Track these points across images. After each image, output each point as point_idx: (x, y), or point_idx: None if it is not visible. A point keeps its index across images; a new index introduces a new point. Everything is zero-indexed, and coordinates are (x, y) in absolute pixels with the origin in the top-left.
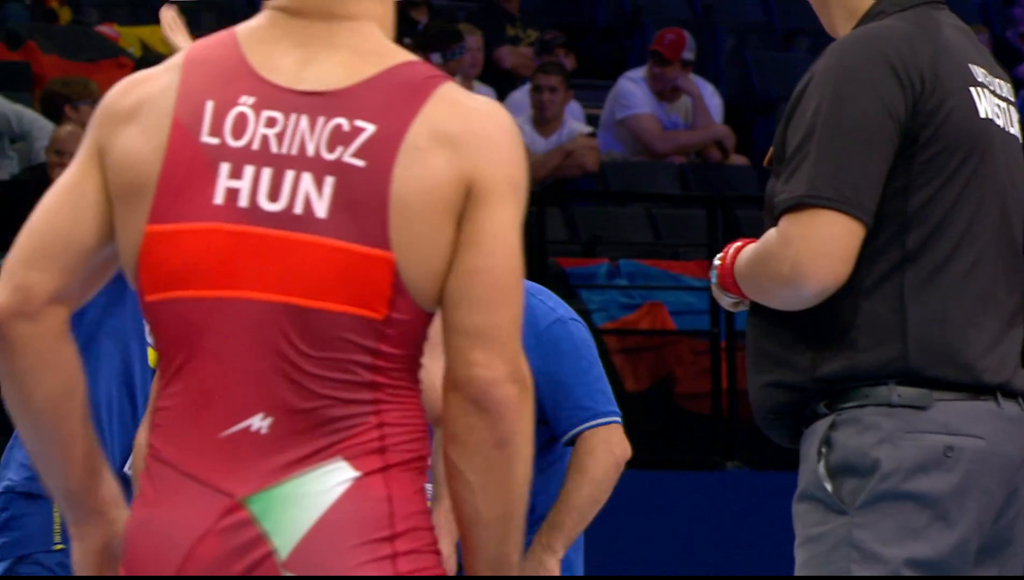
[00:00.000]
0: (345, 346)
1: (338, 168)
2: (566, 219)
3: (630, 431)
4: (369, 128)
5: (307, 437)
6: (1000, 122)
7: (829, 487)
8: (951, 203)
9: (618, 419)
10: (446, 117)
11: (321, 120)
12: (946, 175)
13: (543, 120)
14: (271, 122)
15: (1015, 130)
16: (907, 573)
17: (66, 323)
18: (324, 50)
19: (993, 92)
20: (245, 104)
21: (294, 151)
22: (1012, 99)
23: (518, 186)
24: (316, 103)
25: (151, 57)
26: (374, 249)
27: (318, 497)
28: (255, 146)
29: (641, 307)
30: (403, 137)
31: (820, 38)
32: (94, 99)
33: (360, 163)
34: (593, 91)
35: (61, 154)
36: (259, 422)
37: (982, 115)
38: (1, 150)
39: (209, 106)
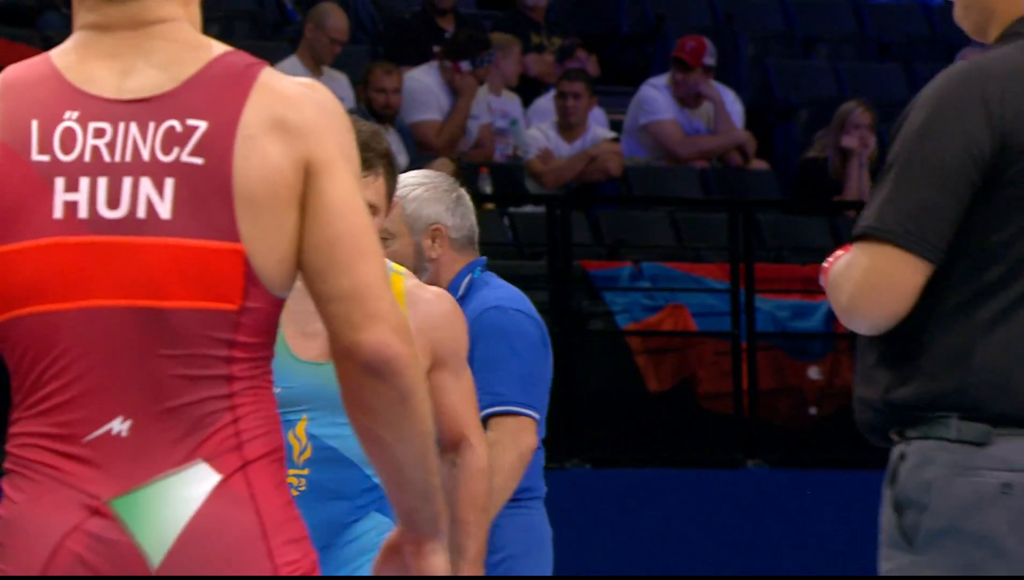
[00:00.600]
0: (201, 341)
1: (177, 168)
2: (590, 223)
3: (654, 431)
4: (201, 125)
5: (167, 437)
6: None
7: (894, 521)
8: None
9: (531, 413)
10: (272, 103)
11: (152, 125)
12: None
13: (568, 126)
14: (99, 133)
15: None
16: None
17: None
18: (140, 57)
19: None
20: (71, 119)
21: (128, 158)
22: None
23: (350, 153)
24: (143, 109)
25: None
26: (223, 242)
27: (184, 504)
28: (87, 158)
29: (664, 309)
30: (236, 129)
31: (839, 46)
32: None
33: (199, 161)
34: (617, 97)
35: None
36: (119, 425)
37: None
38: None
39: (34, 125)
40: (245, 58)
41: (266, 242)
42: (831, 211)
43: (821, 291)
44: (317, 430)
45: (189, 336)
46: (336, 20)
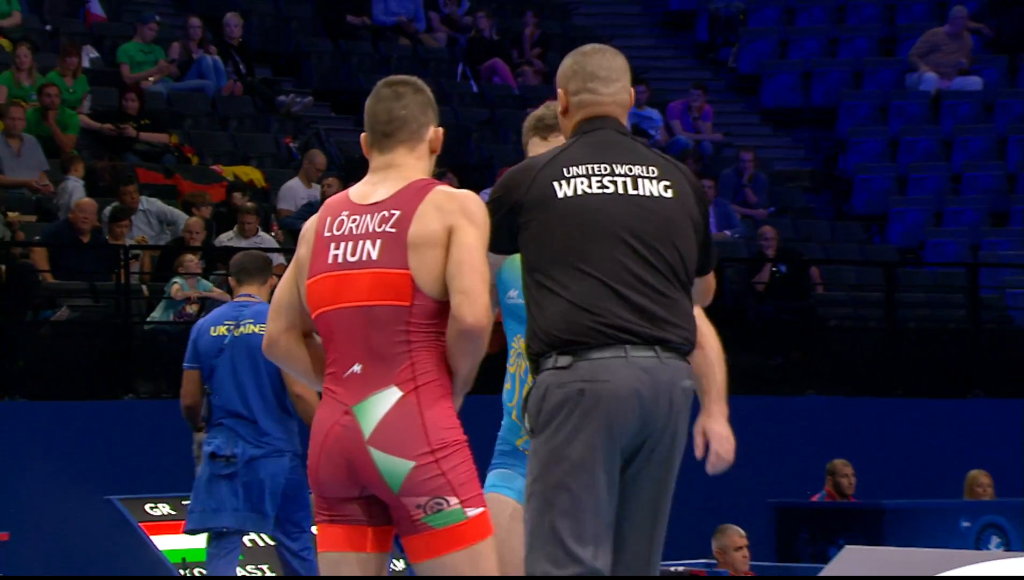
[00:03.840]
0: (392, 322)
1: (383, 235)
2: None
3: None
4: (397, 212)
5: (378, 373)
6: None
7: None
8: None
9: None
10: (437, 201)
11: (376, 214)
12: None
13: None
14: (354, 221)
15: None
16: None
17: (300, 338)
18: (381, 184)
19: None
20: (343, 215)
21: (363, 231)
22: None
23: (477, 219)
24: (375, 207)
25: (239, 183)
26: (401, 270)
27: (383, 405)
28: (346, 232)
29: None
30: (414, 213)
31: None
32: (208, 203)
33: (393, 230)
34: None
35: (191, 233)
36: (357, 368)
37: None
38: (162, 229)
39: (328, 219)
40: (431, 182)
41: (424, 269)
42: None
43: None
44: None
45: (386, 320)
46: (319, 159)
